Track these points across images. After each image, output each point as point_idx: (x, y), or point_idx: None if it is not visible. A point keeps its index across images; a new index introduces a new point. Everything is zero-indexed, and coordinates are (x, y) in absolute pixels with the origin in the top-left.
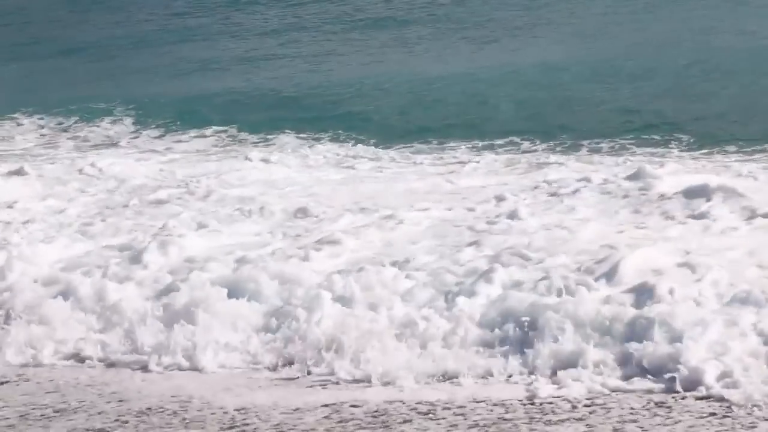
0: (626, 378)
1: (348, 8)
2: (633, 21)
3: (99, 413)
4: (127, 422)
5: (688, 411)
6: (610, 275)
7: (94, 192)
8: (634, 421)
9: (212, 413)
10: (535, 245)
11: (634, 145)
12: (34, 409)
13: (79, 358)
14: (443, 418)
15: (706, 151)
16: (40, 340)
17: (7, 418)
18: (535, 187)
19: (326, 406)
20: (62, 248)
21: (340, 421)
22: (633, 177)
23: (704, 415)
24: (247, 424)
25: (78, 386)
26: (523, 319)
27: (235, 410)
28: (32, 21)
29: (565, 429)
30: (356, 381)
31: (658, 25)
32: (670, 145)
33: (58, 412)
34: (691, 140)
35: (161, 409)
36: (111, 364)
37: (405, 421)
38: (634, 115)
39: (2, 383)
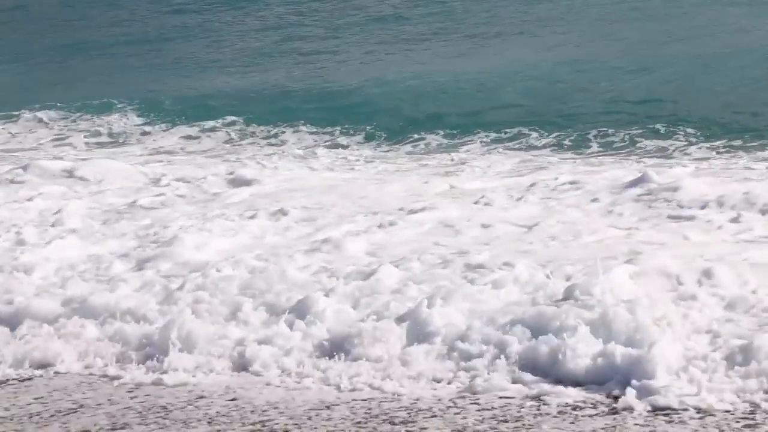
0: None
1: (349, 6)
2: (632, 18)
3: (124, 408)
4: (147, 418)
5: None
6: (606, 282)
7: (97, 194)
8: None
9: (235, 410)
10: (535, 249)
11: (642, 145)
12: (59, 401)
13: (93, 362)
14: (468, 412)
15: (715, 148)
16: (58, 345)
17: (33, 413)
18: (544, 188)
19: (349, 402)
20: (65, 251)
21: (367, 418)
22: (638, 181)
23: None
24: (270, 420)
25: (100, 384)
26: (524, 321)
27: (256, 407)
28: (34, 19)
29: (584, 428)
30: (370, 380)
31: (661, 22)
32: (677, 141)
33: (82, 407)
34: (700, 137)
35: (184, 407)
36: (128, 364)
37: (432, 416)
38: (641, 113)
39: (28, 378)
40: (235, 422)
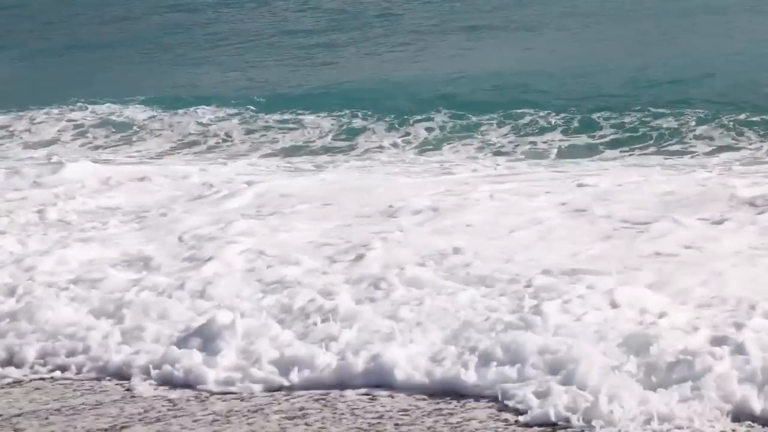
0: None
1: (348, 3)
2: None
3: (167, 400)
4: (183, 408)
5: None
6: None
7: (97, 196)
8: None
9: (275, 399)
10: (534, 254)
11: (656, 126)
12: (93, 394)
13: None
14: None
15: (727, 129)
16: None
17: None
18: (547, 188)
19: (391, 396)
20: (74, 253)
21: (411, 406)
22: (645, 184)
23: None
24: (310, 413)
25: (111, 385)
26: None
27: (288, 395)
28: (35, 18)
29: None
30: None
31: (660, 18)
32: (688, 130)
33: (121, 399)
34: (711, 123)
35: (227, 397)
36: (140, 365)
37: (468, 409)
38: (647, 103)
39: (42, 380)
40: (273, 413)
